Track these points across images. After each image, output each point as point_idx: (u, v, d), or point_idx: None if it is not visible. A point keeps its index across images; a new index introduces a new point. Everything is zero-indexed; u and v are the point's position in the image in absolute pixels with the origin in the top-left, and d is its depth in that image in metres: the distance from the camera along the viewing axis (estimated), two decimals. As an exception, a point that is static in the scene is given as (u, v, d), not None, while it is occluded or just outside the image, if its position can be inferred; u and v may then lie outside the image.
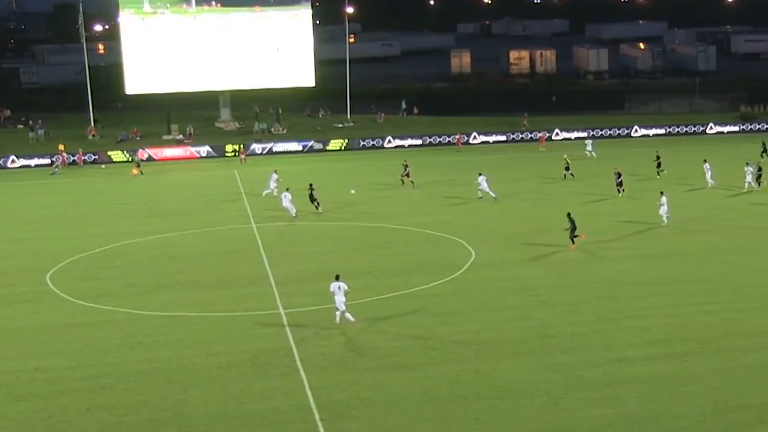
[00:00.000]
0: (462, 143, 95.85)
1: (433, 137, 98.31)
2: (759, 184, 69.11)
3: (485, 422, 31.89)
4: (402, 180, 73.53)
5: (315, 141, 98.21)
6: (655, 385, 34.36)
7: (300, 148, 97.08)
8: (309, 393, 34.56)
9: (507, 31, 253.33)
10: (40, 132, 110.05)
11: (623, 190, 67.26)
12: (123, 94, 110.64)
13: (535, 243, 55.71)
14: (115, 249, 57.98)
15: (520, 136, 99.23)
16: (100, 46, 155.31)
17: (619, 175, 67.76)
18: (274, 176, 70.81)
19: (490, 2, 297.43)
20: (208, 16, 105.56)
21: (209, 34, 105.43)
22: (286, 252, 55.46)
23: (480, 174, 68.04)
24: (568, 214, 54.72)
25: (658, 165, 75.99)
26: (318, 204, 64.83)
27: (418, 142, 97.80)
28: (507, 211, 64.86)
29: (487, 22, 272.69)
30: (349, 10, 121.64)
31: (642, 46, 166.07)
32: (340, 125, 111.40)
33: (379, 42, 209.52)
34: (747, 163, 70.47)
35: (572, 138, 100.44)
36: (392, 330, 41.20)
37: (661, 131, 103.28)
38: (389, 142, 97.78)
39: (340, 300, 41.70)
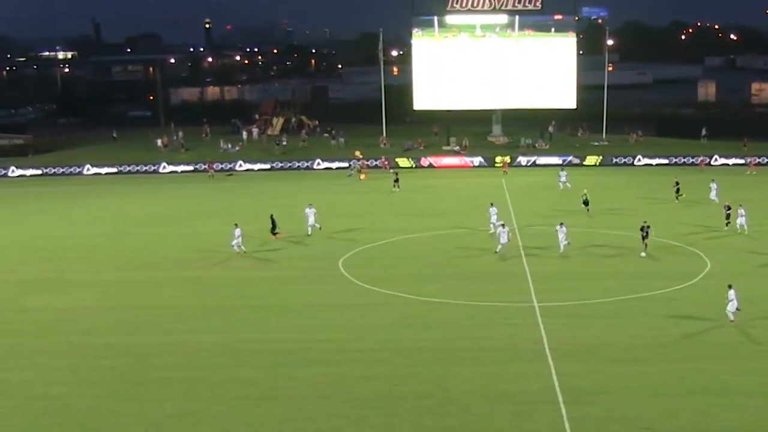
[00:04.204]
0: (704, 164, 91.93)
1: (678, 157, 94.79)
2: None
3: (709, 415, 30.79)
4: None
5: (573, 156, 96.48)
6: None
7: (559, 161, 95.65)
8: (555, 378, 34.08)
9: (750, 64, 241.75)
10: (341, 140, 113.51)
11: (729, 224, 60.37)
12: (411, 109, 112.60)
13: (768, 258, 53.00)
14: (397, 242, 58.85)
15: (757, 159, 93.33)
16: (395, 69, 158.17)
17: (729, 207, 60.94)
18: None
19: (736, 38, 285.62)
20: (486, 41, 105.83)
21: (485, 57, 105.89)
22: (543, 252, 54.73)
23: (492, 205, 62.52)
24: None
25: (677, 191, 71.26)
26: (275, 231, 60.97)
27: (665, 161, 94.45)
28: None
29: (732, 57, 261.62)
30: (609, 42, 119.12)
31: None
32: (596, 143, 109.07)
33: (633, 71, 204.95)
34: None
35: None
36: (632, 327, 40.03)
37: None
38: (639, 160, 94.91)
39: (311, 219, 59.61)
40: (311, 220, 61.70)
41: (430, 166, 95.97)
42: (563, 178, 78.65)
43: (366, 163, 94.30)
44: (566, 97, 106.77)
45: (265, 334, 40.64)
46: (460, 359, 36.65)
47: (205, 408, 32.35)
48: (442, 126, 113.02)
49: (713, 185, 69.73)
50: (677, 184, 71.84)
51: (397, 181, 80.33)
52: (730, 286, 40.80)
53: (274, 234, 59.78)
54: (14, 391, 34.54)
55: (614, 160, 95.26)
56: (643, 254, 52.68)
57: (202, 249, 57.13)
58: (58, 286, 50.29)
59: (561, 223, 55.68)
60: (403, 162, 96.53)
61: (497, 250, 53.90)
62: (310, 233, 60.98)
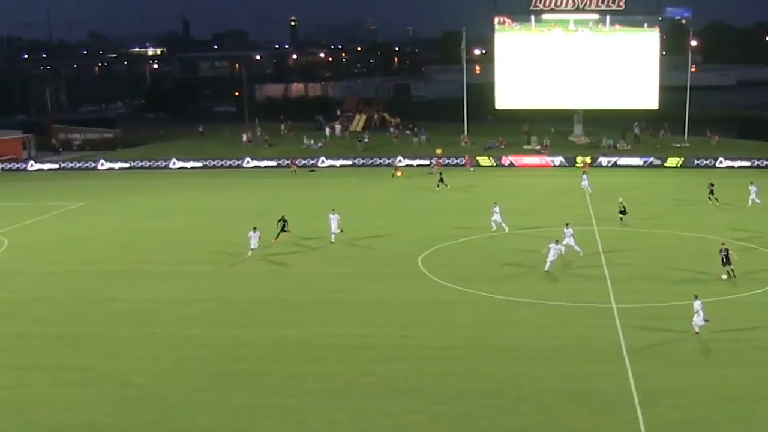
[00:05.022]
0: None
1: (761, 160, 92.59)
2: None
3: (788, 422, 29.97)
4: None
5: (654, 157, 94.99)
6: None
7: (641, 163, 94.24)
8: (631, 380, 33.52)
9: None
10: (423, 138, 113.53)
11: None
12: (492, 108, 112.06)
13: None
14: (476, 240, 58.54)
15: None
16: (477, 68, 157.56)
17: None
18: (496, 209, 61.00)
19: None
20: (570, 39, 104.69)
21: (569, 55, 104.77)
22: (621, 254, 53.95)
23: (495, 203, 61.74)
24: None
25: (711, 192, 69.71)
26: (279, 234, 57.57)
27: (747, 163, 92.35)
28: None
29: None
30: (693, 42, 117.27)
31: None
32: (678, 145, 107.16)
33: (717, 72, 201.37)
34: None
35: None
36: (710, 331, 38.98)
37: None
38: (720, 162, 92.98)
39: (333, 225, 57.61)
40: (334, 226, 58.40)
41: (511, 164, 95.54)
42: (585, 182, 77.08)
43: (441, 161, 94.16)
44: (648, 98, 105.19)
45: (343, 329, 40.75)
46: (536, 358, 36.31)
47: (281, 401, 32.51)
48: (525, 125, 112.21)
49: (752, 188, 68.28)
50: (711, 185, 70.39)
51: (441, 180, 79.62)
52: (696, 297, 38.98)
53: (276, 236, 57.04)
54: (98, 379, 35.16)
55: (695, 162, 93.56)
56: (724, 277, 47.86)
57: (280, 243, 57.39)
58: (141, 278, 51.13)
59: (567, 224, 54.25)
60: (483, 160, 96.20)
61: (546, 269, 49.54)
62: (333, 240, 58.03)
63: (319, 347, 38.33)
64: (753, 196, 67.79)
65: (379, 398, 32.54)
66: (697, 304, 38.34)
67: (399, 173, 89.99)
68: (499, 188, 79.80)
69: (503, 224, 60.38)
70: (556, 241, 50.63)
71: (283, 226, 57.61)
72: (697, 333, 38.18)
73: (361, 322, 41.92)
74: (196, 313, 43.97)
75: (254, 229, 54.33)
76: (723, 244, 48.67)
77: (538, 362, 35.86)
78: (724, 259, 47.55)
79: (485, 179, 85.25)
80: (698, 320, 38.18)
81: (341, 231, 58.55)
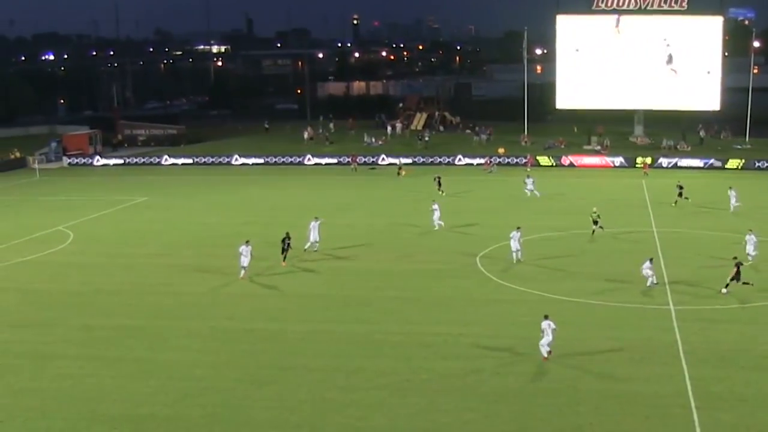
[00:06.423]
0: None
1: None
2: None
3: (843, 428, 29.45)
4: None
5: (715, 159, 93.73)
6: None
7: (701, 164, 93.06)
8: (688, 382, 33.14)
9: None
10: (483, 137, 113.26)
11: None
12: (553, 108, 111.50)
13: None
14: (534, 240, 58.10)
15: None
16: (538, 67, 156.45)
17: None
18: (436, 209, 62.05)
19: None
20: (632, 36, 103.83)
21: (628, 53, 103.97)
22: (681, 255, 53.37)
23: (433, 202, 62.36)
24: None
25: (680, 194, 69.13)
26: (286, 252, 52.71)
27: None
28: None
29: None
30: (756, 44, 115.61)
31: None
32: (739, 147, 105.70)
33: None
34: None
35: None
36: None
37: None
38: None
39: (314, 235, 54.44)
40: (314, 235, 55.14)
41: (571, 165, 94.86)
42: (530, 185, 74.69)
43: (491, 160, 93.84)
44: (710, 99, 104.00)
45: (402, 326, 40.85)
46: (594, 359, 36.05)
47: (340, 396, 32.71)
48: (585, 125, 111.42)
49: (732, 192, 67.18)
50: (680, 188, 69.57)
51: (440, 184, 77.21)
52: (546, 317, 36.41)
53: (284, 256, 52.68)
54: (159, 371, 35.64)
55: (757, 164, 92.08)
56: (724, 291, 44.39)
57: (340, 240, 57.63)
58: (204, 272, 51.69)
59: (518, 228, 52.88)
60: (543, 160, 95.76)
61: (649, 284, 45.81)
62: (306, 248, 54.75)
63: (378, 343, 38.50)
64: (733, 200, 66.76)
65: (436, 395, 32.58)
66: (545, 324, 36.03)
67: (403, 172, 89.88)
68: (558, 188, 79.31)
69: (438, 222, 61.16)
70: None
71: (287, 244, 52.86)
72: (546, 358, 35.87)
73: (420, 319, 42.01)
74: (257, 307, 44.41)
75: (247, 242, 50.46)
76: (735, 257, 45.60)
77: (595, 363, 35.61)
78: (735, 274, 44.23)
79: (544, 180, 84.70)
80: (544, 342, 35.95)
81: (316, 250, 55.10)
